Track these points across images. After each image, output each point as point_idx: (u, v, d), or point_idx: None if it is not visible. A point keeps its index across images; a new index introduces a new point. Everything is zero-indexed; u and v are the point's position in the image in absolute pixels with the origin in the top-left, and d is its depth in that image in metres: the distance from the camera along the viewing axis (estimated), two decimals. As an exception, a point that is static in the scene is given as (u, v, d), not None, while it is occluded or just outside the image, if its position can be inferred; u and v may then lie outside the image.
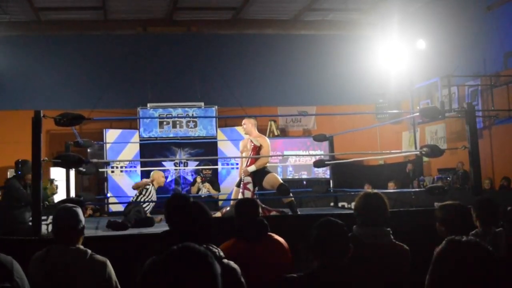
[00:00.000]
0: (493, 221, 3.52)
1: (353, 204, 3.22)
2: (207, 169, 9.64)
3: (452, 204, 3.32)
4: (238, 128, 12.53)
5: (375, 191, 3.24)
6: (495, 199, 3.70)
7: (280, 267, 3.06)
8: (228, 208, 6.55)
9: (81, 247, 2.86)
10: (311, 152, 12.11)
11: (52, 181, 6.40)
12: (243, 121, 6.99)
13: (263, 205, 6.32)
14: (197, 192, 9.11)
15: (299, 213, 6.33)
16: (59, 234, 2.88)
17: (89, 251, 2.84)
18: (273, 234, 3.32)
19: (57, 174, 11.25)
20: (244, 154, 6.97)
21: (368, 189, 11.62)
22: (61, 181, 8.92)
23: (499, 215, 3.56)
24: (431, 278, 1.66)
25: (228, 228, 3.35)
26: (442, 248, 1.67)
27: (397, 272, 2.93)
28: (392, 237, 3.02)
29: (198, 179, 9.41)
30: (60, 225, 2.89)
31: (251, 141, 6.70)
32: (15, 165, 6.85)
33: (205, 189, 9.24)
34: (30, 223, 5.75)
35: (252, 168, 6.59)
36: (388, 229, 3.01)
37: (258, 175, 6.60)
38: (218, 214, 6.58)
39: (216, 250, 2.55)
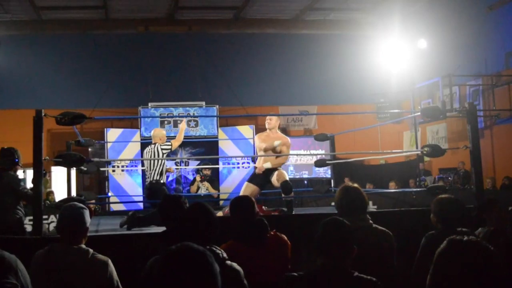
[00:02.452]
0: (498, 220, 3.51)
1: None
2: (206, 168, 9.65)
3: (445, 198, 3.44)
4: (239, 128, 12.54)
5: (355, 185, 3.26)
6: (498, 200, 3.70)
7: (280, 267, 3.01)
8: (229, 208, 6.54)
9: (83, 246, 2.87)
10: (312, 152, 12.11)
11: (45, 173, 5.93)
12: (271, 117, 6.92)
13: (264, 207, 6.32)
14: (197, 191, 9.12)
15: (293, 213, 6.34)
16: (63, 233, 2.88)
17: (91, 251, 2.85)
18: (273, 232, 3.19)
19: (58, 173, 11.28)
20: (262, 147, 6.81)
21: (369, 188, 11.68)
22: (62, 180, 8.94)
23: (504, 215, 3.55)
24: (432, 278, 1.66)
25: (230, 228, 3.30)
26: (443, 248, 1.66)
27: (379, 252, 2.96)
28: (371, 222, 3.10)
29: (198, 178, 9.42)
30: (65, 224, 2.89)
31: (275, 141, 6.62)
32: (5, 152, 5.48)
33: (204, 188, 9.25)
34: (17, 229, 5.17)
35: (267, 164, 6.59)
36: (368, 216, 3.10)
37: (270, 171, 6.62)
38: (220, 213, 6.57)
39: (220, 252, 2.54)
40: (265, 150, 6.69)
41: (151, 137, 7.17)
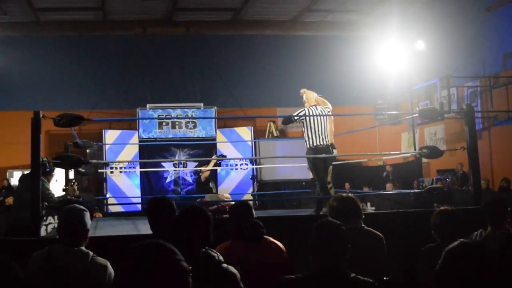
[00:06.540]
0: (503, 222, 3.49)
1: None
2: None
3: (445, 211, 3.30)
4: (237, 129, 12.54)
5: (349, 194, 3.31)
6: (506, 200, 3.67)
7: (277, 268, 3.04)
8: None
9: (83, 249, 2.85)
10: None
11: (72, 182, 5.97)
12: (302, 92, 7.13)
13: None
14: (206, 181, 8.60)
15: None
16: (63, 235, 2.87)
17: (91, 253, 2.83)
18: (269, 237, 3.25)
19: (57, 174, 11.25)
20: None
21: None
22: (60, 182, 8.93)
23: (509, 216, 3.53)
24: (439, 276, 1.67)
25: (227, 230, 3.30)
26: (452, 247, 1.68)
27: (370, 255, 2.99)
28: (363, 225, 3.16)
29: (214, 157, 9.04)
30: (66, 226, 2.88)
31: None
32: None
33: (214, 188, 8.86)
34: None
35: None
36: (362, 222, 3.17)
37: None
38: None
39: (215, 255, 2.53)
40: None
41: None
